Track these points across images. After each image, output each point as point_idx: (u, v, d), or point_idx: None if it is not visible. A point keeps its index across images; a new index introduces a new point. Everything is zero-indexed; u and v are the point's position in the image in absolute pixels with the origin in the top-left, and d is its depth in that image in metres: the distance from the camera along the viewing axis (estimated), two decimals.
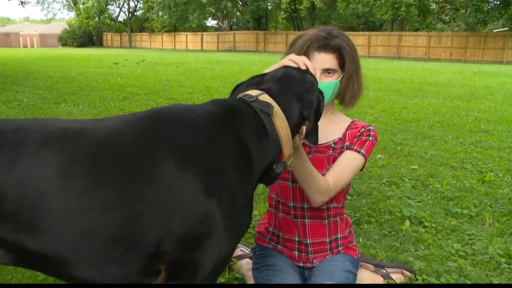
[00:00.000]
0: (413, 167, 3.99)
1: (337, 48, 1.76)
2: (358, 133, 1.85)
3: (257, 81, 1.42)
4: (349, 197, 3.18)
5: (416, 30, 32.22)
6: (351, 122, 1.92)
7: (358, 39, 31.19)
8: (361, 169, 1.88)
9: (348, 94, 1.83)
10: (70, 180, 1.01)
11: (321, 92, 1.47)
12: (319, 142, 1.76)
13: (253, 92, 1.31)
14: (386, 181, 3.59)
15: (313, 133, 1.44)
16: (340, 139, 1.87)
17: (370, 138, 1.84)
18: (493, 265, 2.31)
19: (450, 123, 6.11)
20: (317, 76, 1.70)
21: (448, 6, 38.01)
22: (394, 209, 2.95)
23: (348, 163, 1.78)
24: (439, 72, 16.30)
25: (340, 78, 1.78)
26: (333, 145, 1.86)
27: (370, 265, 2.11)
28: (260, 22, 41.94)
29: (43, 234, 1.00)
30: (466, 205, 3.08)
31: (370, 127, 1.88)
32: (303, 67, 1.49)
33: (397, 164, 4.09)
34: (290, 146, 1.32)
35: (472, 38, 27.24)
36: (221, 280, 2.09)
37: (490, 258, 2.37)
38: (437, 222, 2.80)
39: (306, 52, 1.74)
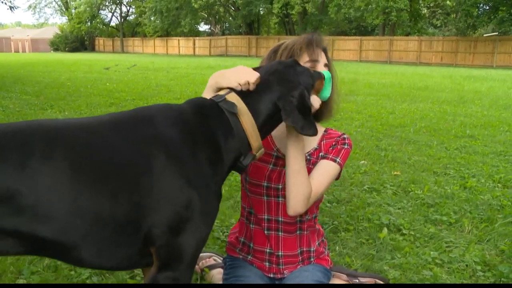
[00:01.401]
0: (395, 173, 3.98)
1: (324, 48, 1.81)
2: (333, 142, 1.84)
3: None
4: (328, 204, 3.16)
5: (408, 34, 32.41)
6: (325, 131, 1.90)
7: (350, 44, 31.37)
8: (337, 178, 1.86)
9: (331, 99, 1.80)
10: (78, 175, 1.14)
11: (306, 87, 1.49)
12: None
13: (223, 91, 1.45)
14: (367, 187, 3.57)
15: (306, 126, 1.43)
16: (315, 149, 1.85)
17: (345, 147, 1.82)
18: (469, 273, 2.30)
19: (436, 128, 6.12)
20: (321, 68, 1.74)
21: (439, 11, 38.34)
22: (373, 216, 2.94)
23: (324, 173, 1.76)
24: (429, 77, 16.38)
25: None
26: (308, 157, 1.83)
27: (343, 274, 2.09)
28: (252, 27, 42.02)
29: (57, 223, 1.12)
30: (446, 211, 3.07)
31: (345, 136, 1.86)
32: (245, 86, 1.45)
33: (379, 170, 4.08)
34: (257, 139, 1.42)
35: (463, 42, 27.44)
36: None
37: (466, 265, 2.36)
38: (416, 229, 2.78)
39: (299, 51, 1.75)
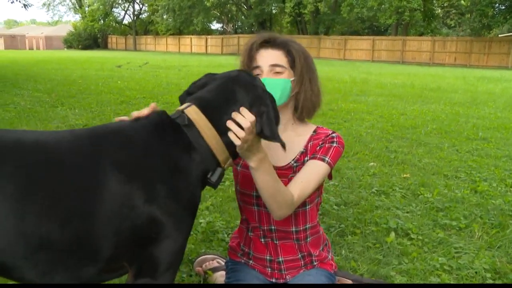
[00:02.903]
0: (405, 175, 3.92)
1: (284, 45, 1.67)
2: (320, 142, 1.72)
3: (200, 85, 1.48)
4: (335, 207, 3.12)
5: (421, 34, 32.11)
6: (314, 131, 1.77)
7: (362, 43, 31.16)
8: (330, 178, 1.80)
9: (301, 99, 1.70)
10: (26, 197, 1.09)
11: (270, 95, 1.43)
12: (277, 164, 1.69)
13: (186, 104, 1.40)
14: (376, 190, 3.52)
15: (277, 138, 1.37)
16: (302, 153, 1.74)
17: (334, 145, 1.70)
18: (478, 281, 2.24)
19: (448, 130, 6.03)
20: (264, 74, 1.63)
21: (453, 11, 37.92)
22: (380, 220, 2.89)
23: (312, 173, 1.66)
24: (442, 77, 16.20)
25: (292, 79, 1.67)
26: (294, 164, 1.74)
27: (347, 280, 2.05)
28: (264, 25, 41.91)
29: None
30: (455, 216, 3.01)
31: (334, 134, 1.74)
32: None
33: (389, 172, 4.02)
34: (223, 152, 1.37)
35: (477, 43, 27.08)
36: None
37: (476, 273, 2.30)
38: (424, 234, 2.73)
39: (253, 50, 1.67)
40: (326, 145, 1.70)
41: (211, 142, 1.34)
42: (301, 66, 1.67)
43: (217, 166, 1.39)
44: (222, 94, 1.40)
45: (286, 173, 1.72)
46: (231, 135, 1.33)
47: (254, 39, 1.70)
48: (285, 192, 1.57)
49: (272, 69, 1.65)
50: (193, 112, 1.36)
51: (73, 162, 1.18)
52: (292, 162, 1.74)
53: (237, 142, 1.32)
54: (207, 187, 1.44)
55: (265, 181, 1.48)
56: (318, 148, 1.71)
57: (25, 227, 1.09)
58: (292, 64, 1.67)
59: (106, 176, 1.18)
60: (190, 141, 1.33)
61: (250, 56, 1.69)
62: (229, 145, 1.36)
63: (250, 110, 1.35)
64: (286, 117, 1.74)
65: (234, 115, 1.34)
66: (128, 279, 1.28)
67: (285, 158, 1.74)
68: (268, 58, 1.66)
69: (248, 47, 1.69)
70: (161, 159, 1.28)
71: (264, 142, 1.43)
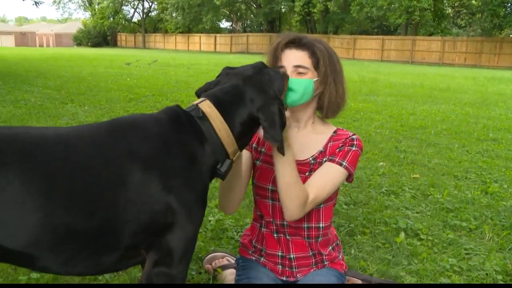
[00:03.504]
0: (414, 176, 3.90)
1: (309, 46, 1.68)
2: (340, 144, 1.74)
3: (215, 82, 1.54)
4: (345, 206, 3.11)
5: (431, 34, 31.90)
6: (334, 132, 1.80)
7: (372, 43, 31.02)
8: (350, 181, 1.80)
9: (325, 100, 1.72)
10: (52, 190, 1.14)
11: (280, 102, 1.45)
12: (297, 158, 1.69)
13: (197, 101, 1.47)
14: (386, 190, 3.51)
15: (282, 143, 1.42)
16: (320, 152, 1.76)
17: (354, 148, 1.72)
18: (489, 282, 2.22)
19: (458, 131, 5.99)
20: (289, 74, 1.64)
21: (464, 11, 37.63)
22: (390, 220, 2.87)
23: (329, 177, 1.68)
24: (452, 78, 16.09)
25: (315, 79, 1.68)
26: (312, 161, 1.75)
27: (357, 279, 2.04)
28: (273, 24, 41.90)
29: (25, 236, 1.12)
30: (466, 217, 2.99)
31: (354, 136, 1.76)
32: None
33: (398, 172, 4.00)
34: (232, 144, 1.43)
35: (488, 43, 26.87)
36: None
37: (486, 274, 2.29)
38: (434, 234, 2.71)
39: (278, 51, 1.69)
40: (346, 148, 1.72)
41: (222, 135, 1.41)
42: (325, 67, 1.68)
43: (226, 157, 1.45)
44: (234, 92, 1.46)
45: (303, 169, 1.73)
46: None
47: (280, 39, 1.72)
48: (301, 187, 1.60)
49: (296, 69, 1.66)
50: (207, 106, 1.42)
51: (95, 153, 1.23)
52: (310, 158, 1.76)
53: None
54: (212, 183, 1.48)
55: (284, 168, 1.56)
56: (337, 150, 1.73)
57: (53, 218, 1.13)
58: (316, 65, 1.68)
59: (126, 166, 1.23)
60: (203, 133, 1.40)
61: (275, 56, 1.71)
62: (239, 138, 1.44)
63: (257, 113, 1.42)
64: (307, 115, 1.77)
65: None
66: (145, 268, 1.33)
67: (304, 153, 1.76)
68: (292, 58, 1.67)
69: (274, 47, 1.71)
70: (176, 149, 1.34)
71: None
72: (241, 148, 1.49)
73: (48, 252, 1.16)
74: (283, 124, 1.43)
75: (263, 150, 1.82)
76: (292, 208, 1.61)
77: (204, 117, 1.40)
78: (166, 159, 1.31)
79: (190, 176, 1.35)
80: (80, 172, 1.19)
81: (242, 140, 1.47)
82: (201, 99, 1.47)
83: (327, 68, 1.68)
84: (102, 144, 1.26)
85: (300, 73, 1.66)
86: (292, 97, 1.63)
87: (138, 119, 1.38)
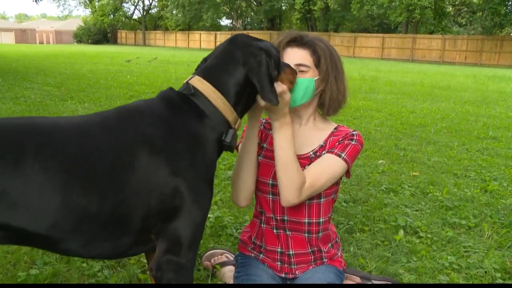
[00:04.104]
0: (414, 173, 3.90)
1: (311, 44, 1.70)
2: (340, 139, 1.76)
3: (206, 59, 1.56)
4: (344, 204, 3.11)
5: (431, 32, 31.86)
6: (335, 128, 1.83)
7: (372, 41, 30.99)
8: (347, 176, 1.81)
9: (326, 97, 1.75)
10: (69, 174, 1.19)
11: (267, 53, 1.46)
12: (298, 153, 1.70)
13: (187, 79, 1.49)
14: (385, 188, 3.50)
15: (266, 91, 1.42)
16: (321, 146, 1.79)
17: (353, 142, 1.74)
18: (488, 280, 2.22)
19: (458, 129, 5.99)
20: None
21: (465, 9, 37.55)
22: (389, 217, 2.87)
23: (326, 166, 1.70)
24: (452, 76, 16.08)
25: (316, 78, 1.70)
26: (312, 155, 1.77)
27: (356, 277, 2.04)
28: (274, 22, 41.86)
29: (47, 219, 1.17)
30: (465, 215, 2.99)
31: (355, 132, 1.79)
32: None
33: (398, 170, 4.00)
34: (231, 112, 1.44)
35: (488, 41, 26.84)
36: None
37: (485, 272, 2.28)
38: (433, 232, 2.71)
39: (280, 49, 1.70)
40: (345, 142, 1.74)
41: (219, 105, 1.42)
42: (327, 65, 1.70)
43: (229, 128, 1.46)
44: (221, 57, 1.49)
45: (303, 162, 1.75)
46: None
47: (282, 37, 1.74)
48: (299, 169, 1.62)
49: (297, 68, 1.67)
50: (197, 81, 1.45)
51: (105, 139, 1.28)
52: (311, 153, 1.78)
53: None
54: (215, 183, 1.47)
55: (282, 146, 1.59)
56: (337, 143, 1.75)
57: (71, 201, 1.18)
58: (317, 63, 1.70)
59: (135, 150, 1.27)
60: (201, 109, 1.41)
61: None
62: (236, 103, 1.46)
63: (243, 66, 1.44)
64: (309, 112, 1.80)
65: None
66: (155, 256, 1.35)
67: (305, 148, 1.78)
68: (294, 57, 1.69)
69: (276, 45, 1.72)
70: (179, 131, 1.37)
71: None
72: (240, 114, 1.50)
73: (69, 234, 1.21)
74: (269, 72, 1.44)
75: (264, 145, 1.84)
76: (288, 188, 1.62)
77: (197, 93, 1.42)
78: (171, 142, 1.33)
79: (196, 157, 1.37)
80: (93, 157, 1.23)
81: (240, 105, 1.48)
82: (190, 76, 1.49)
83: (328, 66, 1.70)
84: (110, 129, 1.30)
85: (302, 71, 1.68)
86: (293, 96, 1.63)
87: (141, 105, 1.41)
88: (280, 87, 1.48)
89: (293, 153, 1.60)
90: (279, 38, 1.76)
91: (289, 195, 1.63)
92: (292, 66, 1.65)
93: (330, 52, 1.72)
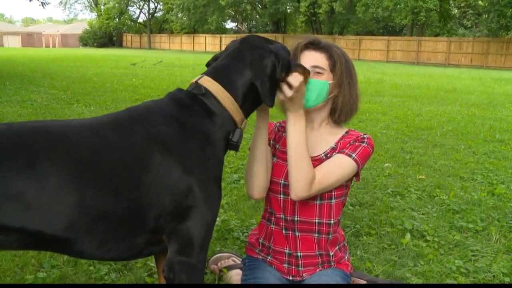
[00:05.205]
0: (420, 177, 3.88)
1: (327, 48, 1.75)
2: (351, 141, 1.79)
3: (217, 57, 1.60)
4: (350, 207, 3.10)
5: (436, 35, 31.77)
6: (346, 132, 1.86)
7: (377, 44, 30.95)
8: (357, 179, 1.81)
9: (339, 103, 1.79)
10: (83, 175, 1.20)
11: (276, 55, 1.49)
12: (310, 155, 1.71)
13: (196, 78, 1.50)
14: (391, 191, 3.50)
15: (266, 95, 1.47)
16: (332, 148, 1.81)
17: (363, 144, 1.77)
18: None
19: (464, 132, 5.97)
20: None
21: (470, 11, 37.44)
22: (396, 221, 2.87)
23: (336, 164, 1.72)
24: (458, 79, 16.02)
25: (331, 82, 1.74)
26: (324, 157, 1.79)
27: (362, 281, 2.04)
28: (279, 25, 41.90)
29: (62, 221, 1.18)
30: (472, 218, 2.97)
31: (365, 135, 1.82)
32: None
33: (404, 173, 3.99)
34: (238, 112, 1.48)
35: (494, 43, 26.74)
36: None
37: (493, 276, 2.27)
38: (440, 236, 2.70)
39: (298, 51, 1.75)
40: (356, 144, 1.77)
41: (228, 105, 1.45)
42: (341, 70, 1.75)
43: (235, 127, 1.49)
44: (232, 57, 1.52)
45: (315, 164, 1.76)
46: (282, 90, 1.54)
47: (300, 40, 1.79)
48: (310, 163, 1.65)
49: (313, 70, 1.72)
50: (207, 81, 1.47)
51: (118, 139, 1.29)
52: (323, 155, 1.80)
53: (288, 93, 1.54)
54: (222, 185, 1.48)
55: (296, 138, 1.63)
56: (348, 145, 1.78)
57: (85, 201, 1.19)
58: (333, 68, 1.75)
59: (147, 149, 1.29)
60: (210, 108, 1.44)
61: (295, 56, 1.76)
62: (243, 104, 1.49)
63: (250, 68, 1.47)
64: (321, 117, 1.84)
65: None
66: (167, 257, 1.36)
67: (316, 150, 1.80)
68: (310, 59, 1.74)
69: (294, 47, 1.78)
70: (190, 130, 1.38)
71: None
72: (246, 114, 1.53)
73: (83, 235, 1.22)
74: (273, 77, 1.48)
75: (277, 146, 1.86)
76: (299, 180, 1.64)
77: (207, 93, 1.44)
78: (183, 141, 1.35)
79: (208, 156, 1.39)
80: (106, 157, 1.25)
81: (246, 105, 1.50)
82: (199, 76, 1.51)
83: (343, 72, 1.75)
84: (122, 129, 1.32)
85: (318, 73, 1.72)
86: (306, 97, 1.66)
87: (152, 105, 1.42)
88: (296, 79, 1.53)
89: (306, 147, 1.64)
90: (297, 40, 1.80)
91: (298, 187, 1.65)
92: (308, 67, 1.68)
93: (345, 59, 1.77)
